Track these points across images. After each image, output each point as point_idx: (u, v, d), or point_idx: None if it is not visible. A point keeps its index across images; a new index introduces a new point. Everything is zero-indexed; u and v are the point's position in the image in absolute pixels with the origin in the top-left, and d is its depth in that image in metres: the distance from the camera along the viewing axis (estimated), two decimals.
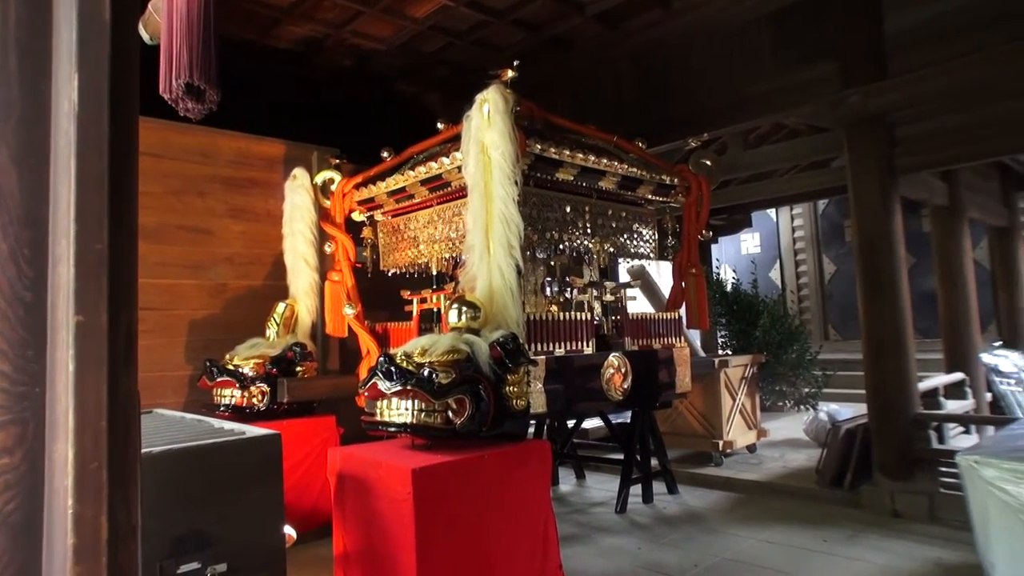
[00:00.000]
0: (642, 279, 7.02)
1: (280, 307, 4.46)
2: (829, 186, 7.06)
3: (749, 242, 12.53)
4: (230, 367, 4.09)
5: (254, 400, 4.08)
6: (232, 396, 4.07)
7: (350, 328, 4.32)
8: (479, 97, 3.29)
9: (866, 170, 4.57)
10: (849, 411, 5.79)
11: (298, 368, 4.28)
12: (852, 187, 4.61)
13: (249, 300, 4.60)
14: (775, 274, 12.10)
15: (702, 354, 7.09)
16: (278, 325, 4.41)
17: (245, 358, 4.14)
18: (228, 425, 2.42)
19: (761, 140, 7.32)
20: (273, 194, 4.74)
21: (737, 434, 5.70)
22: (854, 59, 4.49)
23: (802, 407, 7.83)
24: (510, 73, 3.54)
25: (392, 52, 5.43)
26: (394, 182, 4.03)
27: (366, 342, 4.25)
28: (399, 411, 2.79)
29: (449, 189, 3.83)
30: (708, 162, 4.58)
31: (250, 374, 4.08)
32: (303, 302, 4.54)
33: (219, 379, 4.04)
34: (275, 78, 5.53)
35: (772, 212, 12.08)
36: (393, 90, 6.06)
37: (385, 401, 2.83)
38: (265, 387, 4.10)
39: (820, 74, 4.57)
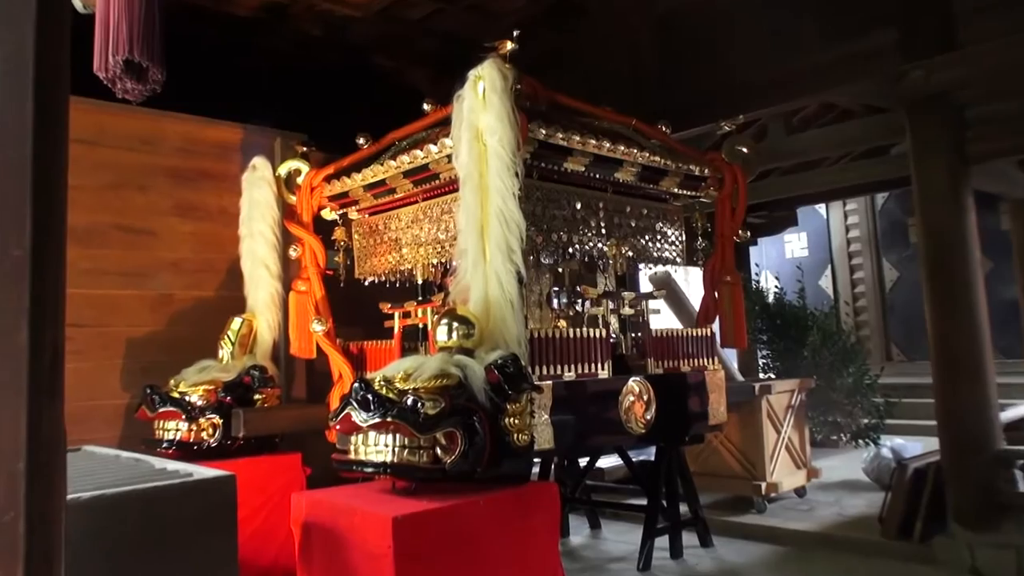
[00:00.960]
0: (667, 289, 7.02)
1: (236, 323, 4.46)
2: (889, 177, 7.06)
3: (794, 244, 12.53)
4: (175, 395, 4.08)
5: (204, 434, 4.06)
6: (177, 430, 4.05)
7: (319, 348, 4.31)
8: (473, 73, 3.30)
9: (932, 158, 4.58)
10: (917, 446, 5.76)
11: (257, 396, 4.27)
12: (916, 178, 4.62)
13: (199, 314, 4.59)
14: (826, 282, 12.10)
15: (740, 378, 7.08)
16: (233, 344, 4.40)
17: (193, 384, 4.13)
18: (172, 465, 2.42)
19: (807, 123, 7.34)
20: (228, 188, 4.74)
21: (783, 475, 5.68)
22: (916, 27, 4.50)
23: (861, 442, 7.80)
24: (510, 45, 3.55)
25: (370, 20, 5.46)
26: (372, 174, 4.04)
27: (338, 365, 4.24)
28: (377, 447, 2.77)
29: (437, 182, 3.84)
30: (745, 149, 4.59)
31: (199, 403, 4.07)
32: (263, 317, 4.54)
33: (162, 409, 4.02)
34: (232, 51, 5.55)
35: (822, 208, 12.09)
36: (371, 65, 6.09)
37: (361, 436, 2.82)
38: (217, 419, 4.09)
39: (876, 44, 4.59)
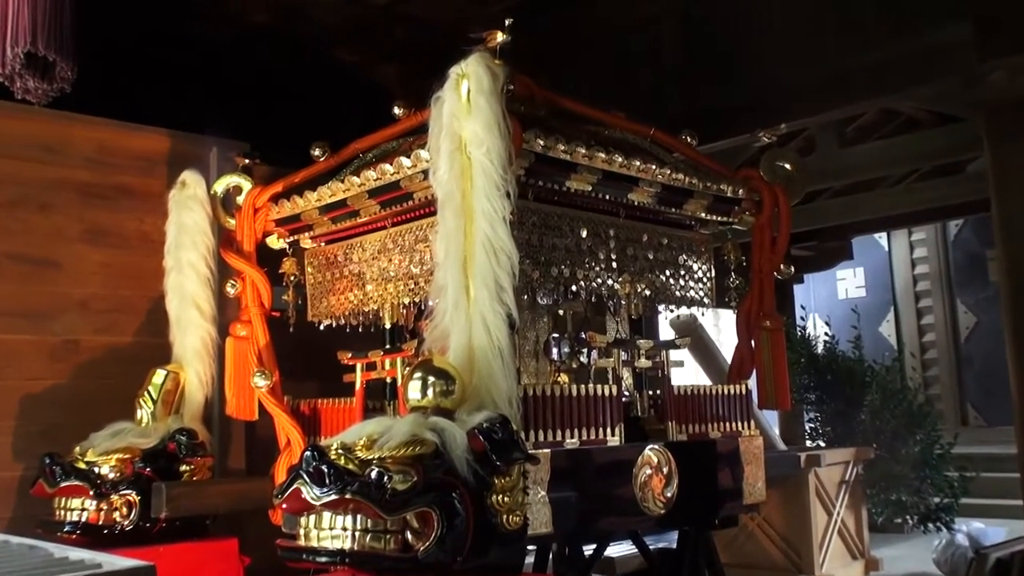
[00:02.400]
0: (693, 336, 7.03)
1: (159, 376, 4.43)
2: (964, 200, 7.14)
3: (849, 281, 12.59)
4: (81, 465, 4.04)
5: (116, 515, 4.02)
6: (83, 509, 4.01)
7: (262, 407, 4.29)
8: (455, 71, 3.32)
9: (1018, 176, 4.63)
10: (1000, 532, 5.75)
11: (183, 467, 4.23)
12: (996, 201, 4.66)
13: (112, 365, 4.58)
14: (888, 328, 12.15)
15: (782, 447, 7.07)
16: (155, 403, 4.37)
17: (104, 452, 4.09)
18: (76, 554, 2.39)
19: (864, 134, 7.42)
20: (151, 208, 4.75)
21: (836, 566, 5.65)
22: (997, 19, 4.57)
23: (930, 526, 7.78)
24: (501, 36, 3.59)
25: (328, 4, 5.51)
26: (330, 193, 4.05)
27: (285, 428, 4.22)
28: (333, 532, 2.75)
29: (410, 203, 3.84)
30: (788, 165, 4.62)
31: (111, 476, 4.03)
32: (193, 368, 4.51)
33: (64, 484, 3.97)
34: (157, 42, 5.59)
35: (882, 238, 12.18)
36: (330, 60, 6.13)
37: (313, 516, 2.80)
38: (133, 495, 4.05)
39: (948, 40, 4.66)
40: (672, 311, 4.91)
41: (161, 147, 4.88)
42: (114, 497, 4.02)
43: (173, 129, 4.92)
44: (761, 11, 5.31)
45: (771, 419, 8.17)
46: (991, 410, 10.88)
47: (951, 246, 11.63)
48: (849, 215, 8.06)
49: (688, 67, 5.56)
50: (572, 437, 3.67)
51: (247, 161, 4.64)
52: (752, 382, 4.58)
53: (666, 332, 7.97)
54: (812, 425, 8.38)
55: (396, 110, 4.12)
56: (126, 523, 4.03)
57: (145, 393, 4.39)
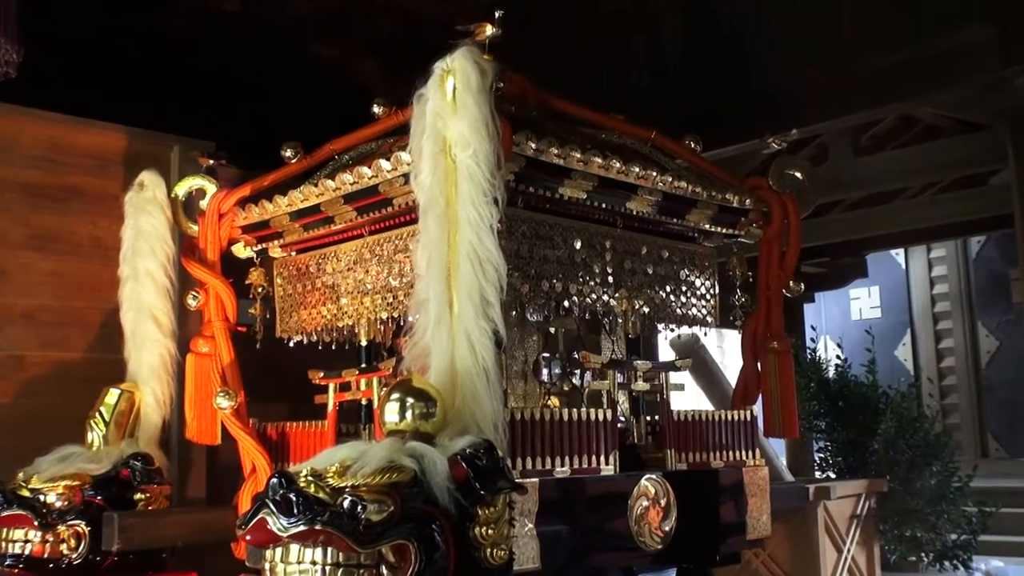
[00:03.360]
0: (694, 358, 7.03)
1: (112, 396, 4.40)
2: (987, 214, 7.18)
3: (863, 301, 12.63)
4: (25, 493, 4.00)
5: (63, 548, 3.98)
6: (27, 541, 3.96)
7: (225, 431, 4.27)
8: (440, 66, 3.32)
9: None
10: (1021, 572, 5.75)
11: (138, 495, 4.20)
12: (1021, 217, 4.69)
13: (60, 383, 4.55)
14: (904, 352, 12.19)
15: (789, 478, 7.07)
16: (107, 425, 4.34)
17: (50, 479, 4.05)
18: None
19: (881, 142, 7.47)
20: (106, 212, 4.73)
21: None
22: (1019, 22, 4.61)
23: (947, 564, 7.80)
24: (490, 30, 3.60)
25: None
26: (302, 197, 4.04)
27: (251, 453, 4.20)
28: (302, 566, 2.72)
29: (389, 210, 3.84)
30: (798, 174, 4.64)
31: (58, 504, 3.99)
32: (149, 388, 4.49)
33: (6, 513, 3.94)
34: (115, 31, 5.59)
35: (899, 255, 12.23)
36: (305, 53, 6.14)
37: (280, 549, 2.78)
38: (82, 526, 4.01)
39: (970, 42, 4.70)
40: (672, 330, 4.90)
41: (117, 145, 4.86)
42: (61, 528, 3.97)
43: (131, 126, 4.90)
44: (771, 9, 5.35)
45: (778, 448, 8.18)
46: (1013, 441, 10.93)
47: (972, 264, 11.69)
48: (864, 229, 8.10)
49: (692, 68, 5.59)
50: (563, 465, 3.66)
51: (212, 162, 4.62)
52: (758, 408, 4.59)
53: (666, 353, 7.96)
54: (822, 455, 8.40)
55: (375, 109, 4.11)
56: (74, 556, 3.99)
57: (96, 414, 4.36)
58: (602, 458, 3.80)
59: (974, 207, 7.27)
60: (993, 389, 11.42)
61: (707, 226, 4.39)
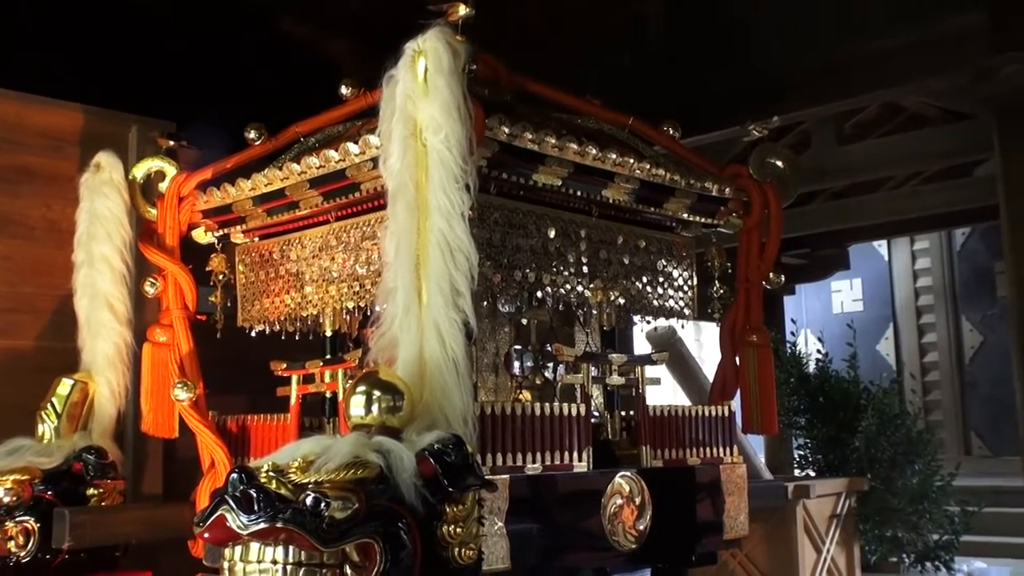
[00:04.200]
0: (671, 351, 7.05)
1: (64, 386, 4.38)
2: (971, 206, 7.23)
3: (845, 294, 12.71)
4: None
5: (11, 545, 3.95)
6: None
7: (183, 424, 4.25)
8: (411, 47, 3.31)
9: None
10: (1004, 572, 5.81)
11: (91, 490, 4.18)
12: (1007, 209, 4.74)
13: (10, 373, 4.52)
14: (886, 346, 12.28)
15: (768, 476, 7.10)
16: (59, 416, 4.32)
17: None
18: None
19: (864, 131, 7.51)
20: (59, 194, 4.70)
21: None
22: (1012, 8, 4.64)
23: (928, 565, 7.87)
24: (463, 10, 3.58)
25: None
26: (266, 181, 4.02)
27: (209, 447, 4.18)
28: (262, 565, 2.71)
29: (357, 195, 3.82)
30: (780, 163, 4.65)
31: (6, 500, 3.96)
32: (104, 378, 4.46)
33: None
34: (71, 5, 5.54)
35: (882, 247, 12.32)
36: (271, 30, 6.10)
37: (239, 548, 2.77)
38: (31, 522, 3.98)
39: (958, 29, 4.73)
40: (649, 322, 4.92)
41: (72, 124, 4.82)
42: (9, 524, 3.95)
43: (87, 104, 4.87)
44: None
45: (756, 445, 8.22)
46: (997, 439, 11.03)
47: (957, 257, 11.79)
48: (846, 220, 8.15)
49: (674, 53, 5.59)
50: (534, 462, 3.66)
51: (172, 143, 4.60)
52: (736, 403, 4.61)
53: (642, 346, 7.99)
54: (801, 452, 8.45)
55: (344, 90, 4.10)
56: (22, 554, 3.96)
57: (48, 405, 4.33)
58: (575, 454, 3.81)
59: (959, 198, 7.33)
60: (977, 385, 11.55)
61: (685, 215, 4.40)
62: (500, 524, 3.42)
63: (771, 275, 4.59)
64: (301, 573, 2.70)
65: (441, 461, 2.83)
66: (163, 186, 4.40)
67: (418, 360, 3.13)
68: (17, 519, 3.97)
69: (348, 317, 4.18)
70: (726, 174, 4.52)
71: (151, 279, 4.32)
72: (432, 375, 3.11)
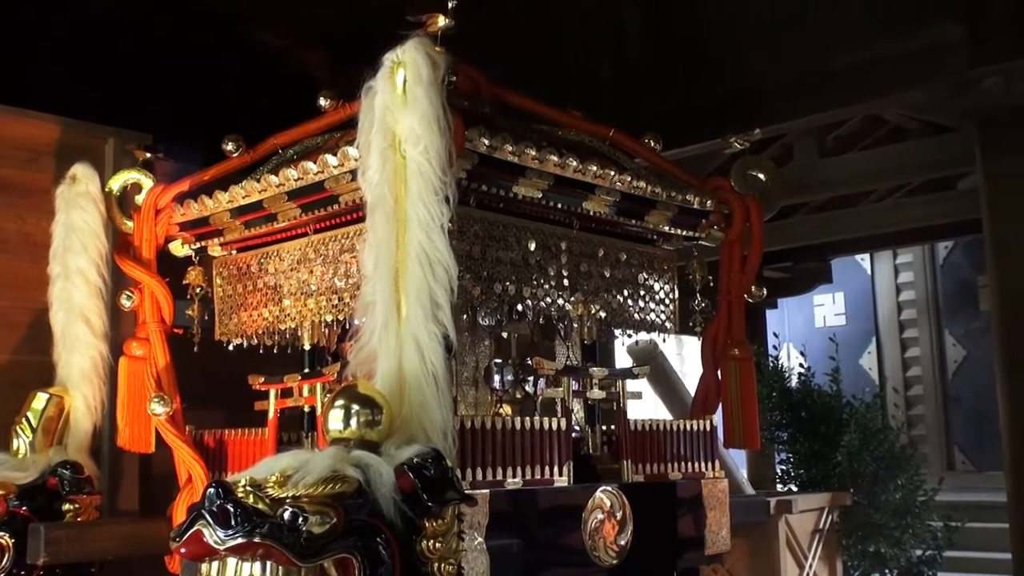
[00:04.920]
0: (652, 365, 7.07)
1: (39, 400, 4.36)
2: (954, 219, 7.27)
3: (827, 308, 12.76)
4: None
5: None
6: None
7: (159, 438, 4.24)
8: (390, 58, 3.32)
9: (1012, 194, 4.74)
10: None
11: (67, 505, 4.16)
12: (989, 221, 4.77)
13: None
14: (869, 361, 12.32)
15: (750, 491, 7.12)
16: (34, 431, 4.30)
17: None
18: None
19: (846, 143, 7.55)
20: (34, 206, 4.69)
21: None
22: (992, 18, 4.68)
23: None
24: (443, 21, 3.60)
25: None
26: (243, 193, 4.02)
27: (187, 462, 4.17)
28: None
29: (335, 208, 3.83)
30: (762, 175, 4.68)
31: None
32: (79, 392, 4.45)
33: None
34: (45, 13, 5.53)
35: (865, 261, 12.37)
36: (247, 42, 6.10)
37: (216, 563, 2.76)
38: (6, 538, 3.97)
39: (939, 40, 4.77)
40: (630, 336, 4.92)
41: (48, 136, 4.81)
42: None
43: (62, 116, 4.85)
44: (735, 7, 5.39)
45: (738, 459, 8.24)
46: (980, 454, 11.08)
47: (940, 271, 11.85)
48: (828, 233, 8.18)
49: (654, 63, 5.61)
50: (514, 476, 3.67)
51: (148, 155, 4.60)
52: (718, 418, 4.62)
53: (623, 360, 8.00)
54: (783, 467, 8.46)
55: (322, 101, 4.11)
56: None
57: (23, 420, 4.32)
58: (556, 469, 3.81)
59: (941, 211, 7.38)
60: (960, 400, 11.59)
61: (667, 228, 4.42)
62: (480, 539, 3.43)
63: (753, 288, 4.61)
64: None
65: (420, 475, 2.83)
66: (140, 198, 4.40)
67: (397, 374, 3.13)
68: None
69: (327, 330, 4.18)
70: (707, 186, 4.54)
71: (127, 292, 4.32)
72: (411, 389, 3.11)
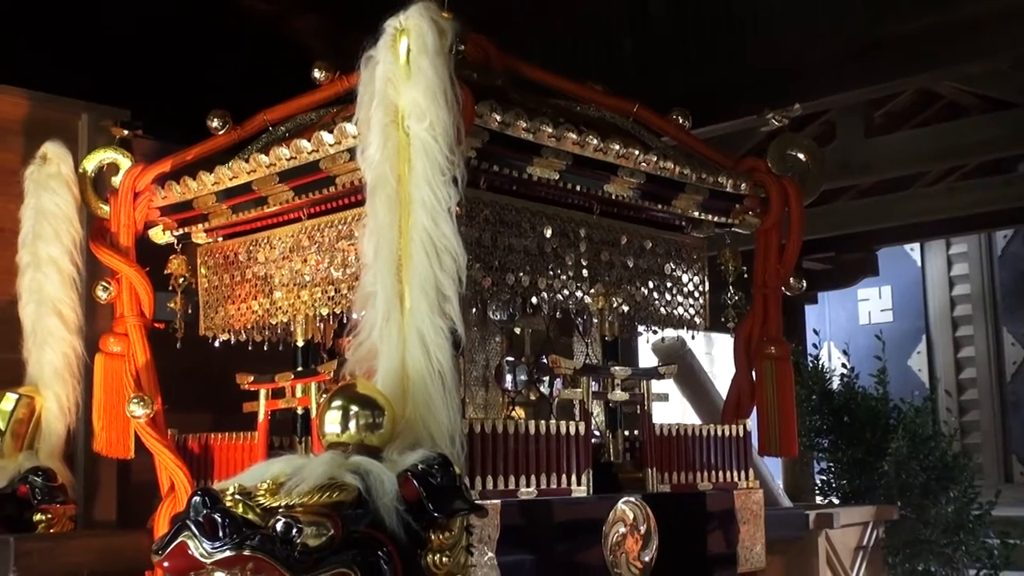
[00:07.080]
0: (680, 364, 7.08)
1: (8, 401, 4.41)
2: (1014, 205, 7.25)
3: (873, 303, 12.73)
4: None
5: None
6: None
7: (139, 443, 4.26)
8: (392, 24, 3.32)
9: None
10: None
11: (38, 515, 4.21)
12: None
13: None
14: (919, 361, 12.30)
15: (787, 503, 7.12)
16: (3, 435, 4.35)
17: None
18: None
19: (895, 121, 7.53)
20: (2, 190, 4.71)
21: None
22: None
23: None
24: None
25: None
26: (231, 175, 4.03)
27: (169, 468, 4.19)
28: None
29: (332, 190, 3.84)
30: (802, 156, 4.67)
31: None
32: (52, 392, 4.48)
33: None
34: None
35: (915, 251, 12.35)
36: (235, 7, 6.12)
37: None
38: None
39: (998, 7, 4.74)
40: (655, 332, 4.93)
41: (16, 112, 4.83)
42: None
43: (32, 90, 4.87)
44: None
45: (774, 469, 8.24)
46: None
47: (997, 262, 11.80)
48: (875, 220, 8.16)
49: (681, 35, 5.61)
50: (528, 485, 3.68)
51: (126, 132, 4.60)
52: (752, 423, 4.63)
53: (647, 359, 8.00)
54: (824, 477, 8.46)
55: (316, 74, 4.12)
56: None
57: None
58: (573, 478, 3.83)
59: (1000, 196, 7.35)
60: (1019, 405, 11.56)
61: (696, 213, 4.42)
62: (491, 554, 3.44)
63: (791, 281, 4.61)
64: None
65: (426, 483, 2.84)
66: (117, 180, 4.40)
67: (400, 372, 3.14)
68: None
69: (322, 325, 4.19)
70: (741, 168, 4.53)
71: (104, 283, 4.33)
72: (416, 389, 3.12)
